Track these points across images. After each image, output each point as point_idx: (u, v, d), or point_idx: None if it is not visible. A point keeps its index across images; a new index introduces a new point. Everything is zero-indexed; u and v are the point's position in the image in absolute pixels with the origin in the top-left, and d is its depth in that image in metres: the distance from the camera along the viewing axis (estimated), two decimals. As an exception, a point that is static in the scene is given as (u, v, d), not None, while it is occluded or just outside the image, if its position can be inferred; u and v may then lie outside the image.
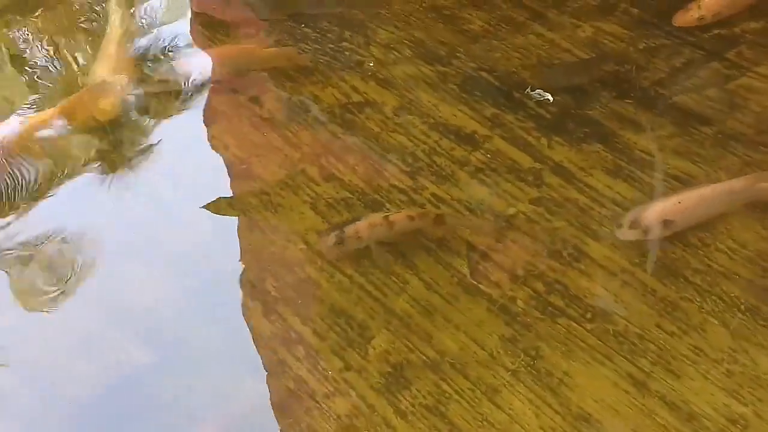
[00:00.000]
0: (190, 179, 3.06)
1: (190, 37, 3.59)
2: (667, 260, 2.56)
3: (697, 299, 2.49)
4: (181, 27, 3.66)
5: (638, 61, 3.15)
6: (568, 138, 2.95)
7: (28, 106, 3.36)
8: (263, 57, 3.44)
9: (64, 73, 3.51)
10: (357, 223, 2.69)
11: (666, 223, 2.59)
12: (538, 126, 2.99)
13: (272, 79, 3.29)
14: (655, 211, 2.62)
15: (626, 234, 2.60)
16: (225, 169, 3.04)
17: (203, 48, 3.54)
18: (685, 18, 3.22)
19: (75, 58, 3.60)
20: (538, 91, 3.11)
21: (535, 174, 2.85)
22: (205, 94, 3.32)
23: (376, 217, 2.70)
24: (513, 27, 3.37)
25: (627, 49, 3.20)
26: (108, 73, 3.32)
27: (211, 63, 3.46)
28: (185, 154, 3.18)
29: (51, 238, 2.88)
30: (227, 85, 3.35)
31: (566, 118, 3.01)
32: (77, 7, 3.82)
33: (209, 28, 3.60)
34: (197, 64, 3.45)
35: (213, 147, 3.12)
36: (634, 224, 2.60)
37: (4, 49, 3.68)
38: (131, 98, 3.27)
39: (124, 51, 3.44)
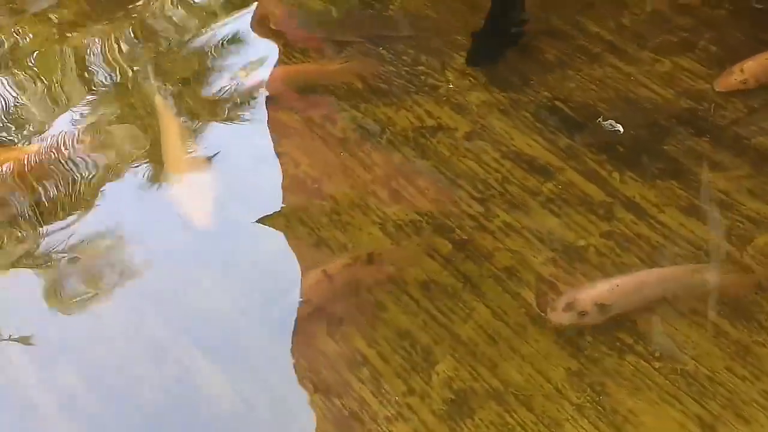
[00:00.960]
0: (260, 194, 3.08)
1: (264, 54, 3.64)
2: (740, 304, 2.53)
3: (770, 344, 2.45)
4: (254, 43, 3.71)
5: (716, 100, 3.12)
6: (641, 173, 2.92)
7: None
8: (329, 73, 3.47)
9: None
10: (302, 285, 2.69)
11: (601, 307, 2.51)
12: (612, 159, 2.97)
13: (347, 100, 3.31)
14: (591, 294, 2.54)
15: (560, 316, 2.52)
16: (295, 186, 3.06)
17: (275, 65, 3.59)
18: (728, 82, 3.14)
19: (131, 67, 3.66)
20: (609, 121, 3.09)
21: (607, 208, 2.83)
22: (274, 109, 3.36)
23: (315, 274, 2.69)
24: (589, 58, 3.36)
25: (705, 86, 3.17)
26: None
27: (277, 79, 3.51)
28: (255, 169, 3.20)
29: (118, 244, 2.92)
30: (298, 102, 3.38)
31: (641, 153, 2.98)
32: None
33: (285, 46, 3.63)
34: (264, 79, 3.50)
35: (284, 163, 3.15)
36: (568, 307, 2.52)
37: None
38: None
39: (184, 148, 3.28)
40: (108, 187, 3.11)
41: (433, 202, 2.91)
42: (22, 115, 3.47)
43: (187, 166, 3.17)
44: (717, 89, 3.14)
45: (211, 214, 2.95)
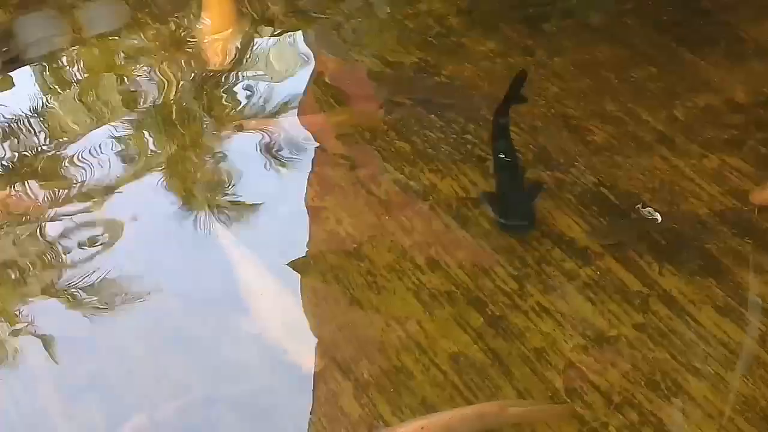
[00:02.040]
0: (297, 248, 3.09)
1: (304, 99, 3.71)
2: (769, 413, 2.51)
3: (796, 459, 2.42)
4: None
5: (761, 202, 3.12)
6: (680, 267, 2.91)
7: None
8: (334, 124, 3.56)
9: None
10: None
11: None
12: (652, 251, 2.97)
13: (392, 161, 3.33)
14: None
15: None
16: (335, 243, 3.07)
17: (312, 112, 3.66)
18: (763, 196, 3.11)
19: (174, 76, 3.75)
20: (648, 209, 3.09)
21: (642, 299, 2.82)
22: (313, 159, 3.40)
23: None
24: (638, 146, 3.37)
25: (751, 187, 3.17)
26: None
27: (304, 127, 3.58)
28: (294, 221, 3.22)
29: (153, 287, 2.94)
30: (344, 158, 3.41)
31: (681, 248, 2.98)
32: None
33: (334, 98, 3.68)
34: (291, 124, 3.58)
35: (325, 219, 3.16)
36: None
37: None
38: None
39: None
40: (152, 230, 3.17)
41: (469, 275, 2.92)
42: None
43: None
44: (752, 201, 3.12)
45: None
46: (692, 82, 3.63)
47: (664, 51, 3.79)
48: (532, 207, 3.13)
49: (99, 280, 2.94)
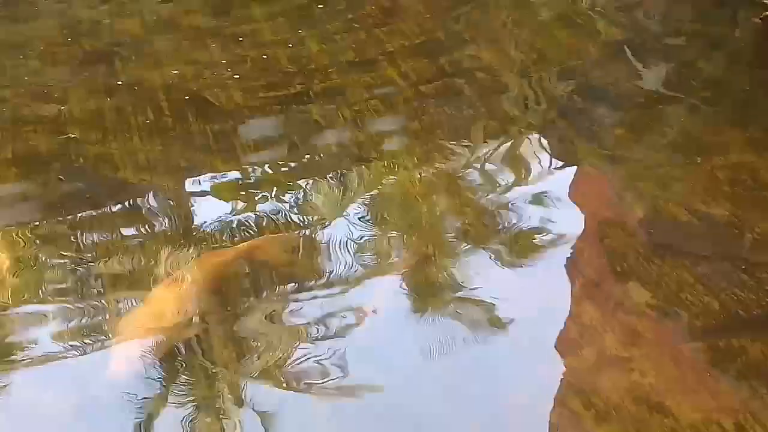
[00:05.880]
0: (598, 396, 3.11)
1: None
2: None
3: None
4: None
5: None
6: None
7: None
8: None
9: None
10: None
11: None
12: None
13: (699, 317, 3.30)
14: None
15: None
16: (637, 395, 3.07)
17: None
18: None
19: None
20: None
21: None
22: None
23: None
24: None
25: None
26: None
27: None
28: (594, 367, 3.25)
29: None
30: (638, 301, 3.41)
31: None
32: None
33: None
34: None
35: (629, 370, 3.17)
36: None
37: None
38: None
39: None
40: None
41: (780, 447, 2.84)
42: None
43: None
44: None
45: None
46: None
47: None
48: None
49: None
